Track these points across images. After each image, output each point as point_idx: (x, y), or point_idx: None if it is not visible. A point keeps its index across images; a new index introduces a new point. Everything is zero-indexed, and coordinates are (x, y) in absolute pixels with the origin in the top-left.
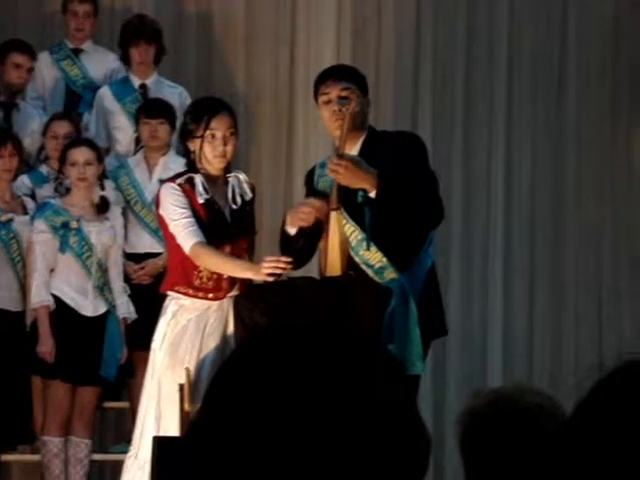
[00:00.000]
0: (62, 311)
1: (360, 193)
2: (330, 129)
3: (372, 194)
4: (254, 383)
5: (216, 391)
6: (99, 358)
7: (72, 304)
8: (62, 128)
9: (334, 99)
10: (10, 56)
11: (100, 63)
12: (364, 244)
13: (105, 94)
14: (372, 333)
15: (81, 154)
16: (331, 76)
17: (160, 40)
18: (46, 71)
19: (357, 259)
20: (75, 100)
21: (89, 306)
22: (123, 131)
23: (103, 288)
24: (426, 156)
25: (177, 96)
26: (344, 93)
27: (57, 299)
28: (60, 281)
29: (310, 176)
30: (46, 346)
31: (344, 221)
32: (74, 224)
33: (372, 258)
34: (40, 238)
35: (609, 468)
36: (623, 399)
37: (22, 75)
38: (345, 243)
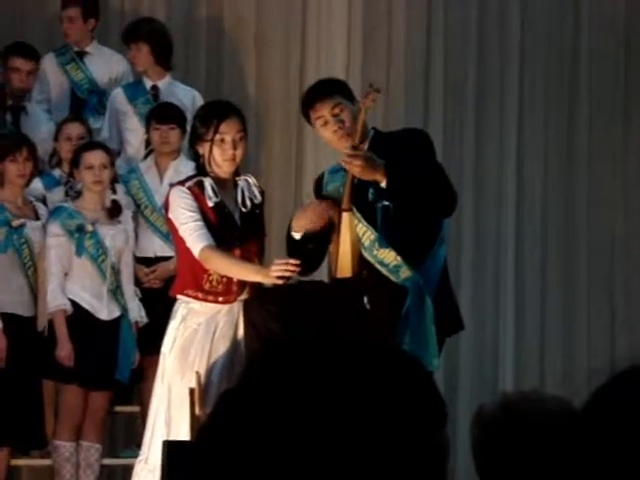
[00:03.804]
0: (78, 315)
1: (371, 190)
2: (336, 146)
3: (383, 184)
4: (267, 393)
5: (229, 399)
6: (114, 362)
7: (88, 308)
8: (75, 130)
9: (330, 120)
10: (10, 60)
11: (105, 65)
12: (377, 243)
13: (118, 95)
14: (385, 339)
15: (97, 157)
16: (316, 98)
17: (154, 40)
18: (51, 74)
19: (371, 259)
20: (80, 105)
21: (104, 310)
22: (134, 133)
23: (116, 292)
24: (432, 150)
25: (190, 98)
26: (336, 110)
27: (73, 303)
28: (75, 285)
29: (318, 184)
30: (65, 350)
31: (356, 222)
32: (89, 227)
33: (386, 257)
34: (55, 242)
35: (616, 467)
36: (630, 400)
37: (22, 78)
38: (357, 244)
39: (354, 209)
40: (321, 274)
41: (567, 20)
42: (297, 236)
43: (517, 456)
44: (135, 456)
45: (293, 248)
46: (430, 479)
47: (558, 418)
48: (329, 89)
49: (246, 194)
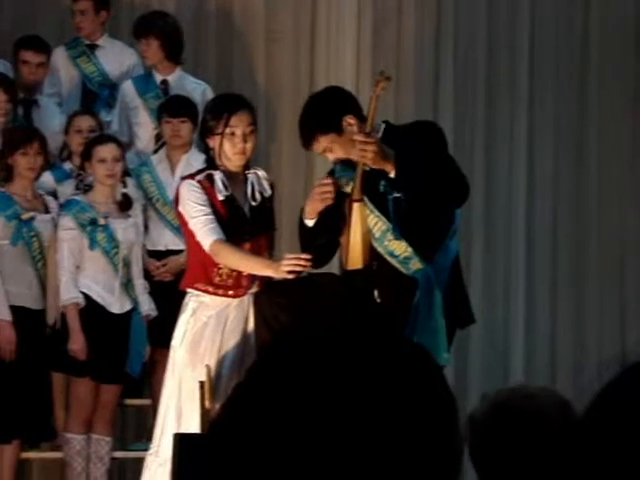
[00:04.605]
0: (90, 308)
1: (382, 182)
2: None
3: (392, 174)
4: (278, 386)
5: (240, 393)
6: (125, 355)
7: (100, 301)
8: (85, 122)
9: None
10: (19, 53)
11: (116, 59)
12: (388, 234)
13: (128, 89)
14: (397, 328)
15: (109, 151)
16: (311, 138)
17: (165, 35)
18: (62, 67)
19: (381, 250)
20: (91, 99)
21: (116, 303)
22: (143, 127)
23: (127, 285)
24: (443, 141)
25: (200, 92)
26: (328, 143)
27: (85, 296)
28: (87, 278)
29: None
30: (78, 344)
31: (368, 212)
32: (102, 221)
33: (397, 248)
34: (68, 235)
35: (621, 465)
36: (634, 399)
37: (32, 71)
38: (368, 235)
39: (366, 199)
40: (331, 266)
41: (575, 21)
42: (310, 223)
43: (513, 453)
44: (146, 449)
45: (307, 239)
46: (441, 476)
47: (548, 411)
48: (315, 129)
49: (256, 188)
